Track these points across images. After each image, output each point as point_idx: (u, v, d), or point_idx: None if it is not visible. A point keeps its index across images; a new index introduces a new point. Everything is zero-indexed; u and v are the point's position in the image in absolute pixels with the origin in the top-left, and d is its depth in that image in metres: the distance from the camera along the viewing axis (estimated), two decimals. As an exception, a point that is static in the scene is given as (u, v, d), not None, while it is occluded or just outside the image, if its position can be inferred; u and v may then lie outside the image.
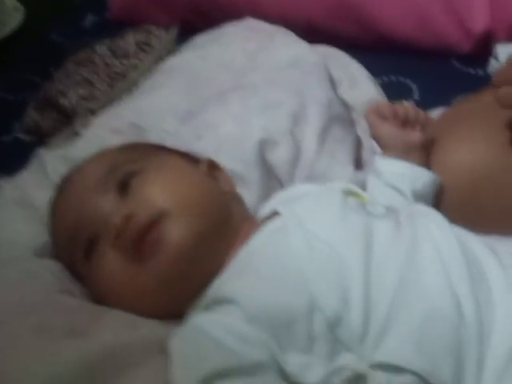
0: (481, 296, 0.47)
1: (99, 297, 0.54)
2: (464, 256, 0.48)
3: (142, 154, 0.57)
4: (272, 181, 0.66)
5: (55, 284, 0.53)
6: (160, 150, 0.61)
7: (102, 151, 0.61)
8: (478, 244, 0.51)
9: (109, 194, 0.53)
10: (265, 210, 0.58)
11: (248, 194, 0.64)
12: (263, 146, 0.66)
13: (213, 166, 0.61)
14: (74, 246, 0.54)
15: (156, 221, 0.50)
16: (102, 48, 0.90)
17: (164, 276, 0.50)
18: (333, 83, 0.72)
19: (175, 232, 0.50)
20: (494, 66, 1.00)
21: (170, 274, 0.50)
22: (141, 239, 0.50)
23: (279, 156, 0.66)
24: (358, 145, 0.71)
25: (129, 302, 0.52)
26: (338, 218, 0.51)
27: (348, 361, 0.45)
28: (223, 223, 0.54)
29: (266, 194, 0.65)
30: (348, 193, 0.57)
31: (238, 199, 0.61)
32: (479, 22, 0.96)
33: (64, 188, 0.58)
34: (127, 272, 0.51)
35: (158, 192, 0.52)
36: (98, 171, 0.55)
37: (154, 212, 0.51)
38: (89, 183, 0.55)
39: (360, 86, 0.84)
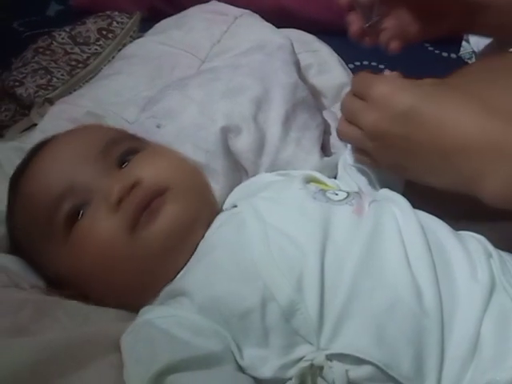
0: (444, 284, 0.45)
1: (74, 267, 0.50)
2: (427, 243, 0.46)
3: (137, 137, 0.58)
4: (237, 171, 0.64)
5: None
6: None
7: (95, 124, 0.60)
8: (443, 230, 0.49)
9: (108, 165, 0.52)
10: (227, 202, 0.57)
11: (214, 185, 0.62)
12: (226, 134, 0.63)
13: None
14: (52, 214, 0.50)
15: (161, 192, 0.50)
16: (62, 35, 0.87)
17: (151, 250, 0.49)
18: (298, 67, 0.70)
19: (172, 208, 0.49)
20: (466, 48, 0.99)
21: (157, 249, 0.49)
22: (144, 206, 0.49)
23: (243, 144, 0.63)
24: (326, 130, 0.69)
25: (110, 271, 0.49)
26: (296, 208, 0.49)
27: (305, 352, 0.43)
28: (207, 210, 0.53)
29: (232, 184, 0.62)
30: (310, 180, 0.55)
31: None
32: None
33: (47, 155, 0.54)
34: (120, 238, 0.49)
35: (163, 168, 0.52)
36: (98, 140, 0.54)
37: (161, 183, 0.50)
38: (85, 152, 0.53)
39: (331, 71, 0.82)
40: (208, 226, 0.52)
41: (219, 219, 0.52)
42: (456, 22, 0.62)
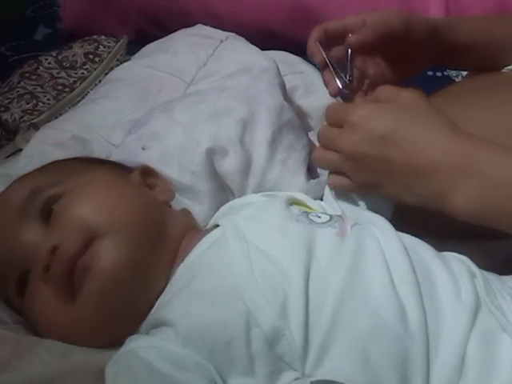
0: (429, 305, 0.44)
1: (38, 330, 0.50)
2: (411, 264, 0.46)
3: (64, 174, 0.53)
4: (223, 192, 0.63)
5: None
6: (87, 164, 0.57)
7: (22, 176, 0.56)
8: (426, 251, 0.49)
9: (33, 224, 0.50)
10: (210, 222, 0.56)
11: (199, 206, 0.62)
12: (212, 156, 0.63)
13: (147, 173, 0.57)
14: (5, 282, 0.50)
15: (85, 247, 0.47)
16: (48, 60, 0.87)
17: (100, 305, 0.47)
18: (284, 89, 0.70)
19: (106, 256, 0.47)
20: (452, 67, 1.00)
21: (105, 302, 0.47)
22: (71, 270, 0.47)
23: (229, 165, 0.63)
24: (312, 151, 0.69)
25: (67, 335, 0.49)
26: (278, 229, 0.49)
27: (290, 379, 0.42)
28: (159, 238, 0.51)
29: (218, 205, 0.62)
30: (292, 202, 0.55)
31: (182, 211, 0.58)
32: (434, 15, 0.95)
33: None
34: (61, 306, 0.48)
35: (83, 215, 0.49)
36: (17, 199, 0.51)
37: (81, 239, 0.48)
38: (10, 213, 0.51)
39: (317, 92, 0.82)
40: (170, 247, 0.51)
41: (202, 242, 0.51)
42: (432, 61, 0.64)
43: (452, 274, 0.47)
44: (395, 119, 0.50)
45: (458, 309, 0.44)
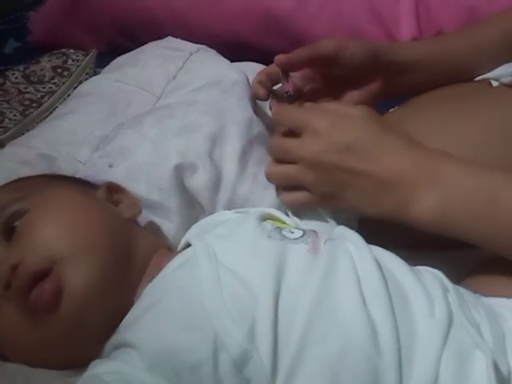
0: (401, 322, 0.44)
1: (3, 351, 0.49)
2: (384, 280, 0.46)
3: (27, 191, 0.52)
4: (193, 208, 0.62)
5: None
6: (51, 181, 0.56)
7: None
8: (399, 266, 0.49)
9: None
10: (182, 240, 0.55)
11: (168, 223, 0.61)
12: (181, 172, 0.62)
13: (113, 190, 0.56)
14: None
15: (48, 268, 0.46)
16: (15, 75, 0.86)
17: (68, 327, 0.46)
18: (254, 102, 0.69)
19: (73, 278, 0.46)
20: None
21: (73, 324, 0.46)
22: (31, 287, 0.45)
23: (199, 181, 0.62)
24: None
25: (31, 355, 0.47)
26: (250, 248, 0.48)
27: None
28: (126, 257, 0.50)
29: (188, 222, 0.61)
30: (265, 217, 0.54)
31: (150, 227, 0.58)
32: (406, 32, 0.95)
33: None
34: (24, 325, 0.46)
35: (48, 233, 0.48)
36: None
37: (43, 258, 0.46)
38: None
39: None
40: (138, 266, 0.50)
41: (172, 261, 0.50)
42: (379, 86, 0.65)
43: (425, 290, 0.46)
44: (359, 130, 0.51)
45: (431, 325, 0.44)
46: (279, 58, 0.61)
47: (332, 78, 0.64)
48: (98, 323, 0.47)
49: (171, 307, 0.45)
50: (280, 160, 0.54)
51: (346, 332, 0.43)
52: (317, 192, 0.52)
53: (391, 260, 0.49)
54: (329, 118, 0.52)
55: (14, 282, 0.45)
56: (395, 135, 0.52)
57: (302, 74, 0.64)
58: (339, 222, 0.55)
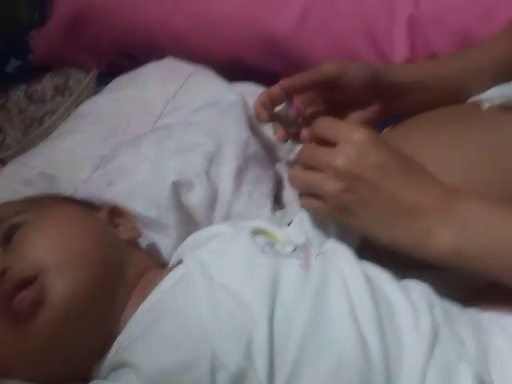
0: (389, 337, 0.45)
1: None
2: (373, 296, 0.47)
3: (29, 206, 0.54)
4: (190, 224, 0.64)
5: None
6: (52, 200, 0.58)
7: None
8: (388, 282, 0.50)
9: None
10: (174, 256, 0.56)
11: (166, 240, 0.62)
12: (178, 189, 0.63)
13: (115, 213, 0.58)
14: None
15: (32, 276, 0.47)
16: (17, 94, 0.87)
17: (48, 337, 0.47)
18: (251, 122, 0.71)
19: (56, 289, 0.47)
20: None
21: (54, 335, 0.47)
22: (13, 296, 0.47)
23: (195, 198, 0.64)
24: (279, 182, 0.70)
25: (14, 366, 0.48)
26: (244, 264, 0.49)
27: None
28: (115, 276, 0.51)
29: (185, 238, 0.61)
30: (258, 232, 0.55)
31: (148, 248, 0.59)
32: (400, 54, 0.97)
33: None
34: (8, 332, 0.47)
35: (38, 245, 0.50)
36: None
37: (30, 266, 0.48)
38: None
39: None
40: (128, 284, 0.51)
41: (165, 279, 0.51)
42: (379, 107, 0.66)
43: (412, 305, 0.48)
44: (392, 153, 0.52)
45: (416, 340, 0.45)
46: (283, 82, 0.62)
47: (334, 100, 0.65)
48: (79, 336, 0.48)
49: (168, 327, 0.46)
50: (307, 166, 0.53)
51: (339, 349, 0.44)
52: (334, 203, 0.51)
53: (381, 276, 0.50)
54: (368, 133, 0.52)
55: (0, 287, 0.47)
56: (420, 167, 0.52)
57: (305, 96, 0.64)
58: (342, 240, 0.55)
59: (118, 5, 1.06)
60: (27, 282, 0.47)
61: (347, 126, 0.55)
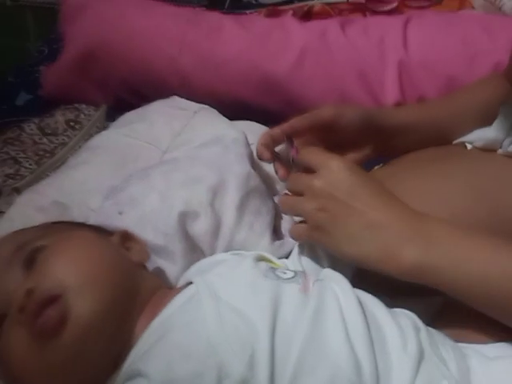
0: (380, 357, 0.49)
1: (8, 376, 0.53)
2: (365, 320, 0.51)
3: (50, 231, 0.58)
4: (195, 252, 0.68)
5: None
6: (70, 226, 0.63)
7: (10, 232, 0.61)
8: (379, 308, 0.54)
9: (15, 271, 0.54)
10: (184, 279, 0.60)
11: (172, 266, 0.66)
12: (184, 218, 0.68)
13: (126, 238, 0.62)
14: None
15: (57, 295, 0.51)
16: (30, 127, 0.92)
17: (70, 353, 0.50)
18: (251, 158, 0.76)
19: (78, 308, 0.51)
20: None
21: (75, 351, 0.51)
22: (39, 314, 0.50)
23: (201, 227, 0.68)
24: (277, 214, 0.74)
25: (35, 381, 0.51)
26: (248, 285, 0.54)
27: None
28: (130, 295, 0.55)
29: (190, 265, 0.66)
30: (261, 259, 0.60)
31: (155, 270, 0.63)
32: (391, 96, 1.04)
33: None
34: (33, 348, 0.51)
35: (61, 266, 0.53)
36: (6, 250, 0.56)
37: (54, 286, 0.51)
38: None
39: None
40: (140, 303, 0.55)
41: (176, 298, 0.55)
42: (373, 147, 0.72)
43: (400, 329, 0.52)
44: (362, 177, 0.57)
45: (404, 359, 0.49)
46: (284, 126, 0.67)
47: (330, 141, 0.70)
48: (98, 352, 0.52)
49: (179, 340, 0.50)
50: (293, 192, 0.60)
51: (334, 364, 0.48)
52: (311, 222, 0.57)
53: (372, 302, 0.55)
54: (344, 161, 0.58)
55: (26, 307, 0.50)
56: (391, 193, 0.57)
57: (303, 137, 0.70)
58: (335, 269, 0.59)
59: (128, 45, 1.11)
60: (51, 302, 0.51)
61: (326, 154, 0.60)
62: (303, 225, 0.59)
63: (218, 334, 0.49)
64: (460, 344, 0.54)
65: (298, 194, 0.59)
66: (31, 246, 0.55)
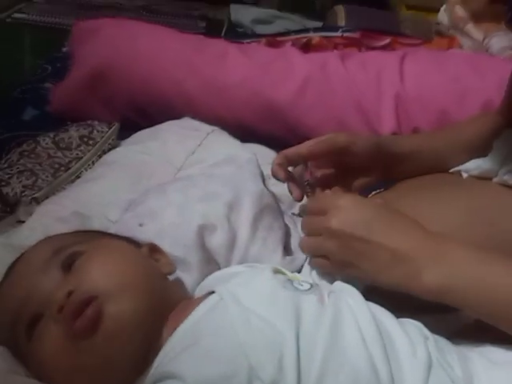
0: (392, 362, 0.53)
1: (40, 374, 0.55)
2: (377, 327, 0.55)
3: (87, 238, 0.62)
4: (210, 264, 0.71)
5: (4, 365, 0.54)
6: (104, 234, 0.66)
7: (47, 237, 0.64)
8: (388, 318, 0.58)
9: (53, 273, 0.57)
10: (201, 289, 0.63)
11: (188, 276, 0.69)
12: (203, 231, 0.71)
13: (154, 250, 0.66)
14: (17, 326, 0.56)
15: (94, 297, 0.54)
16: (45, 141, 0.95)
17: (102, 354, 0.53)
18: (263, 177, 0.81)
19: (113, 310, 0.54)
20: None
21: (107, 352, 0.53)
22: (78, 314, 0.53)
23: (217, 240, 0.72)
24: (286, 232, 0.78)
25: (69, 379, 0.54)
26: (269, 295, 0.57)
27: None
28: (160, 303, 0.58)
29: (204, 276, 0.69)
30: (277, 271, 0.63)
31: (177, 281, 0.66)
32: (387, 126, 1.10)
33: (10, 272, 0.61)
34: (68, 347, 0.53)
35: (100, 271, 0.56)
36: (44, 253, 0.59)
37: (93, 288, 0.54)
38: (34, 264, 0.58)
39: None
40: (168, 311, 0.57)
41: (200, 307, 0.58)
42: (379, 172, 0.77)
43: (408, 337, 0.56)
44: (376, 208, 0.62)
45: (414, 364, 0.53)
46: (301, 149, 0.72)
47: (342, 165, 0.76)
48: (128, 353, 0.55)
49: (210, 344, 0.53)
50: (309, 234, 0.64)
51: (355, 367, 0.52)
52: (336, 259, 0.61)
53: (382, 313, 0.59)
54: (350, 199, 0.63)
55: (65, 307, 0.53)
56: (402, 215, 0.62)
57: (317, 161, 0.75)
58: (347, 282, 0.62)
59: (135, 66, 1.15)
60: (88, 304, 0.53)
61: (332, 195, 0.66)
62: (326, 261, 0.62)
63: (247, 338, 0.52)
64: (466, 347, 0.58)
65: (313, 235, 0.64)
66: (69, 251, 0.58)
